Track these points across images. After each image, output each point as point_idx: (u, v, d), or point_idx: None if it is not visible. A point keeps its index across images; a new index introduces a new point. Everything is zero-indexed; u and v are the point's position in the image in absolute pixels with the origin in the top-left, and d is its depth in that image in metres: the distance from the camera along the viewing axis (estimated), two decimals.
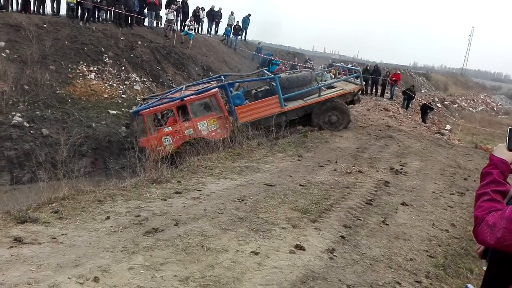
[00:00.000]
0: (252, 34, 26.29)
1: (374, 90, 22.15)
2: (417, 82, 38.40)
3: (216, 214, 5.53)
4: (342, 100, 13.16)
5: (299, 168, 8.53)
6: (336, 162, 9.16)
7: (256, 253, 4.42)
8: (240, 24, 24.48)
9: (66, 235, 4.51)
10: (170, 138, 11.11)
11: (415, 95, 22.04)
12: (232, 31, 24.29)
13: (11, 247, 4.10)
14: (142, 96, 14.21)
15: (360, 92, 14.20)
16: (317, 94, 12.80)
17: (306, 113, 12.66)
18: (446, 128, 20.59)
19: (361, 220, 5.82)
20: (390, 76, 22.20)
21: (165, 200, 6.09)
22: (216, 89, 11.91)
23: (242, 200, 6.19)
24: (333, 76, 22.17)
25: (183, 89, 12.97)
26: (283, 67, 21.41)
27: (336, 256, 4.61)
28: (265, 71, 15.05)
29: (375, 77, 21.84)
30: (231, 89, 12.41)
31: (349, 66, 20.83)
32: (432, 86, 44.05)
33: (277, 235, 4.98)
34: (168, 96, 12.36)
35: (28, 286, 3.37)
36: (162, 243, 4.47)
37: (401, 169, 9.13)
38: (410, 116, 19.72)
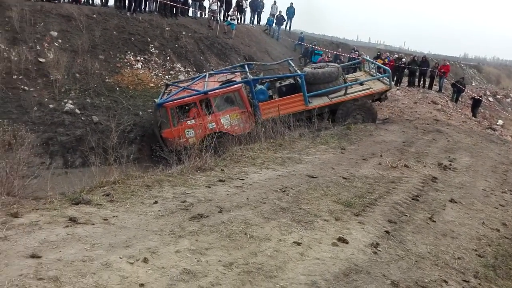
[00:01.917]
0: (295, 24, 25.95)
1: (421, 82, 21.36)
2: (467, 74, 36.67)
3: (259, 203, 5.59)
4: (369, 98, 12.81)
5: (342, 161, 8.43)
6: (380, 155, 8.97)
7: (299, 244, 4.44)
8: (283, 14, 24.30)
9: (117, 217, 4.73)
10: (193, 131, 11.22)
11: (465, 88, 21.07)
12: (275, 20, 24.15)
13: (67, 226, 4.36)
14: (165, 82, 14.23)
15: (387, 92, 13.60)
16: (343, 92, 12.47)
17: (331, 110, 12.35)
18: (498, 123, 19.54)
19: (406, 215, 5.70)
20: (439, 67, 21.32)
21: (209, 187, 6.23)
22: (240, 84, 11.86)
23: (284, 191, 6.22)
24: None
25: (207, 77, 13.02)
26: (326, 57, 21.04)
27: (380, 251, 4.55)
28: (290, 61, 14.68)
29: (423, 69, 21.04)
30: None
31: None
32: (484, 78, 41.91)
33: (319, 226, 4.97)
34: (191, 87, 12.34)
35: (83, 264, 3.58)
36: (207, 229, 4.59)
37: (450, 164, 8.81)
38: (459, 110, 18.90)
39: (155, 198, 5.50)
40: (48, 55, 13.84)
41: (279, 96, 12.54)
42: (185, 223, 4.71)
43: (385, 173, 7.65)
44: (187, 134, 11.18)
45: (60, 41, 14.69)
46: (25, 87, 12.56)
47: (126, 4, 18.02)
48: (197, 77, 13.84)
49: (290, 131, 10.77)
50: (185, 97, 11.57)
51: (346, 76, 14.39)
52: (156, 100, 12.11)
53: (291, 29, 26.23)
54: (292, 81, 13.03)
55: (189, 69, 17.55)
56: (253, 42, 22.05)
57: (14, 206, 4.77)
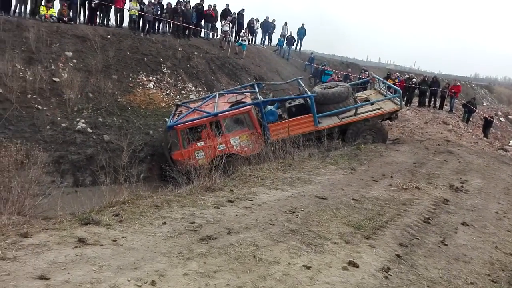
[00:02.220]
0: (305, 44, 26.15)
1: (432, 103, 21.28)
2: (478, 94, 36.41)
3: (268, 225, 5.55)
4: (379, 118, 12.77)
5: (352, 182, 8.36)
6: (391, 177, 8.89)
7: (308, 267, 4.38)
8: (294, 34, 24.57)
9: (126, 238, 4.72)
10: (203, 153, 11.26)
11: (476, 108, 20.91)
12: (285, 41, 24.43)
13: (76, 247, 4.36)
14: (176, 102, 14.35)
15: (397, 112, 13.55)
16: (354, 112, 12.43)
17: (341, 130, 12.29)
18: (510, 144, 19.29)
19: (418, 239, 5.60)
20: (450, 87, 21.25)
21: (218, 208, 6.20)
22: (250, 106, 11.87)
23: (294, 212, 6.17)
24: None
25: (217, 97, 13.06)
26: (336, 77, 21.13)
27: (391, 275, 4.46)
28: (299, 81, 14.66)
29: (434, 89, 20.99)
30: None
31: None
32: (495, 99, 41.55)
33: (329, 250, 4.90)
34: (201, 108, 12.41)
35: (91, 286, 3.56)
36: (216, 251, 4.56)
37: (462, 186, 8.68)
38: (471, 131, 18.72)
39: (164, 219, 5.49)
40: (63, 74, 14.15)
41: (289, 115, 12.55)
42: (193, 245, 4.68)
43: (396, 195, 7.56)
44: (197, 155, 11.24)
45: (74, 61, 15.03)
46: (39, 106, 12.81)
47: (140, 26, 18.41)
48: (208, 97, 13.95)
49: (300, 151, 10.75)
50: (195, 119, 11.67)
51: (356, 94, 14.38)
52: (167, 119, 12.24)
53: (302, 49, 26.49)
54: (302, 101, 13.04)
55: (200, 89, 17.76)
56: (263, 62, 22.29)
57: (24, 226, 4.80)
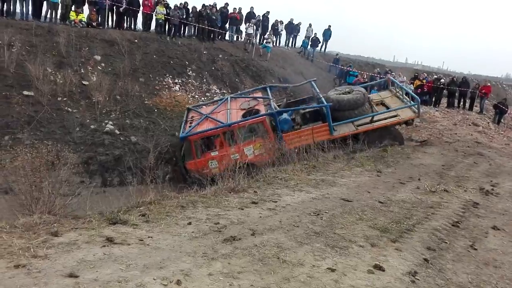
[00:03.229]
0: (331, 45, 25.88)
1: (461, 103, 20.72)
2: (509, 95, 35.20)
3: (292, 227, 5.53)
4: (395, 125, 12.46)
5: (378, 184, 8.23)
6: (419, 179, 8.71)
7: (333, 270, 4.33)
8: (319, 36, 24.41)
9: (152, 238, 4.80)
10: (216, 162, 11.13)
11: (507, 109, 20.23)
12: (310, 43, 24.30)
13: (104, 246, 4.46)
14: (187, 106, 14.07)
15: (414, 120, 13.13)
16: (369, 119, 12.11)
17: (357, 136, 11.88)
18: None
19: (446, 243, 5.46)
20: (480, 88, 20.64)
21: (242, 209, 6.23)
22: (264, 116, 11.58)
23: (318, 214, 6.12)
24: (412, 88, 21.21)
25: (228, 101, 12.79)
26: (361, 79, 20.87)
27: (418, 279, 4.36)
28: (313, 83, 14.15)
29: (463, 90, 20.44)
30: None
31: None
32: None
33: (354, 253, 4.84)
34: (213, 115, 12.15)
35: (118, 284, 3.64)
36: (240, 252, 4.57)
37: (492, 189, 8.42)
38: (502, 132, 18.11)
39: (189, 219, 5.55)
40: (91, 78, 14.53)
41: (303, 121, 12.32)
42: (218, 246, 4.72)
43: (424, 198, 7.40)
44: (211, 165, 11.15)
45: (103, 64, 15.41)
46: (69, 109, 13.19)
47: (167, 29, 18.72)
48: (219, 100, 13.72)
49: (324, 153, 10.66)
50: (208, 130, 11.53)
51: (371, 96, 13.95)
52: (180, 129, 12.10)
53: (327, 50, 26.28)
54: (316, 104, 12.79)
55: (224, 91, 17.88)
56: (287, 64, 22.25)
57: (55, 225, 4.95)
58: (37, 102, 12.74)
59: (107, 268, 3.94)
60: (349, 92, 12.60)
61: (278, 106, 12.72)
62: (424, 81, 21.32)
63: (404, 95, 13.46)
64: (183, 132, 11.84)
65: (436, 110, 19.49)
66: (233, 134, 11.35)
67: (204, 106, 13.84)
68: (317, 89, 13.40)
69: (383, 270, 4.44)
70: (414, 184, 8.30)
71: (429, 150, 12.03)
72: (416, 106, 12.40)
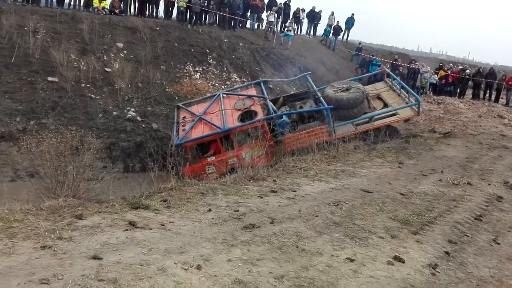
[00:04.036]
0: (353, 34, 25.30)
1: (487, 95, 20.15)
2: None
3: (311, 216, 5.53)
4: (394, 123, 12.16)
5: (399, 176, 8.13)
6: (441, 171, 8.56)
7: (352, 260, 4.33)
8: (342, 24, 24.02)
9: (173, 223, 4.88)
10: (213, 167, 10.71)
11: None
12: (332, 31, 23.93)
13: (126, 229, 4.56)
14: (177, 104, 12.91)
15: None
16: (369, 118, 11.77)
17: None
18: None
19: (468, 236, 5.37)
20: (507, 79, 20.00)
21: (261, 197, 6.26)
22: (264, 120, 10.89)
23: (337, 205, 6.10)
24: (437, 78, 20.72)
25: (221, 98, 12.11)
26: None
27: (439, 272, 4.32)
28: (308, 77, 13.58)
29: (490, 81, 19.87)
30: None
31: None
32: None
33: (374, 243, 4.81)
34: (206, 115, 11.54)
35: (140, 268, 3.72)
36: (259, 239, 4.61)
37: None
38: None
39: (209, 206, 5.61)
40: (114, 65, 14.70)
41: (301, 121, 11.89)
42: (237, 232, 4.76)
43: (446, 190, 7.27)
44: (208, 170, 10.70)
45: (125, 52, 15.56)
46: (92, 95, 13.41)
47: (188, 17, 18.73)
48: (211, 96, 12.91)
49: (344, 143, 10.56)
50: (204, 136, 10.93)
51: (366, 88, 13.39)
52: (172, 126, 11.56)
53: (349, 39, 25.85)
54: (314, 105, 12.29)
55: (244, 79, 17.83)
56: (308, 53, 22.00)
57: (79, 208, 5.08)
58: (61, 88, 13.00)
59: (129, 251, 4.03)
60: (347, 89, 12.22)
61: (274, 103, 12.13)
62: (449, 71, 20.81)
63: (401, 89, 13.11)
64: (176, 136, 11.18)
65: (461, 102, 19.03)
66: (230, 138, 10.89)
67: (195, 104, 12.91)
68: (313, 84, 13.03)
69: (403, 262, 4.41)
70: (437, 177, 8.16)
71: (452, 142, 11.79)
72: (417, 105, 12.09)
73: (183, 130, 11.29)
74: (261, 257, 4.19)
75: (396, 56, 24.16)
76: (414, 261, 4.48)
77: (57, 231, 4.28)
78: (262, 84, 12.90)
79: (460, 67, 22.59)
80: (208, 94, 14.35)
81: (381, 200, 6.41)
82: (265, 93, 12.32)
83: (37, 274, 3.41)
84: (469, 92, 20.70)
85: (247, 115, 11.44)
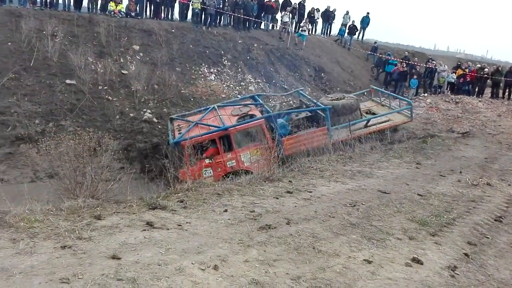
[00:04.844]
0: (367, 33, 25.04)
1: (506, 94, 19.75)
2: None
3: (327, 217, 5.50)
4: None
5: (417, 176, 8.03)
6: (460, 172, 8.43)
7: (369, 262, 4.29)
8: (357, 23, 23.82)
9: (190, 223, 4.92)
10: (211, 170, 10.32)
11: None
12: (347, 30, 23.76)
13: (144, 230, 4.61)
14: (170, 116, 12.62)
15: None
16: (363, 124, 12.02)
17: None
18: None
19: (488, 238, 5.27)
20: None
21: (277, 198, 6.25)
22: (263, 119, 10.80)
23: (354, 206, 6.06)
24: (455, 77, 20.41)
25: (217, 109, 11.83)
26: (401, 67, 20.25)
27: (458, 274, 4.25)
28: (301, 92, 13.84)
29: (509, 80, 19.46)
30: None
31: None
32: None
33: (391, 245, 4.76)
34: (203, 121, 11.22)
35: (158, 267, 3.76)
36: (275, 240, 4.60)
37: None
38: None
39: (225, 207, 5.64)
40: (130, 67, 14.90)
41: (297, 127, 11.75)
42: (253, 233, 4.77)
43: (465, 191, 7.16)
44: (205, 174, 10.30)
45: (141, 54, 15.75)
46: (109, 97, 13.61)
47: (203, 19, 18.85)
48: (205, 109, 12.57)
49: (361, 144, 10.49)
50: (203, 134, 10.57)
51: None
52: (169, 137, 11.16)
53: (365, 38, 25.62)
54: (308, 113, 12.24)
55: (259, 80, 17.87)
56: (323, 53, 21.91)
57: (98, 208, 5.15)
58: (79, 91, 13.22)
59: (147, 251, 4.07)
60: (341, 99, 12.55)
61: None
62: (467, 70, 20.47)
63: (391, 104, 13.57)
64: (173, 139, 10.67)
65: (479, 101, 18.71)
66: (229, 139, 10.52)
67: (189, 117, 12.52)
68: (307, 97, 13.29)
69: (422, 264, 4.35)
70: (455, 177, 8.05)
71: (471, 142, 11.60)
72: (409, 110, 12.56)
73: (179, 133, 10.93)
74: (278, 258, 4.19)
75: (407, 53, 23.84)
76: (433, 263, 4.42)
77: (77, 231, 4.35)
78: (256, 97, 13.19)
79: (478, 65, 22.15)
80: (209, 106, 13.73)
81: (399, 201, 6.35)
82: (261, 104, 12.38)
83: (57, 273, 3.47)
84: (487, 91, 20.33)
85: (246, 118, 11.19)
